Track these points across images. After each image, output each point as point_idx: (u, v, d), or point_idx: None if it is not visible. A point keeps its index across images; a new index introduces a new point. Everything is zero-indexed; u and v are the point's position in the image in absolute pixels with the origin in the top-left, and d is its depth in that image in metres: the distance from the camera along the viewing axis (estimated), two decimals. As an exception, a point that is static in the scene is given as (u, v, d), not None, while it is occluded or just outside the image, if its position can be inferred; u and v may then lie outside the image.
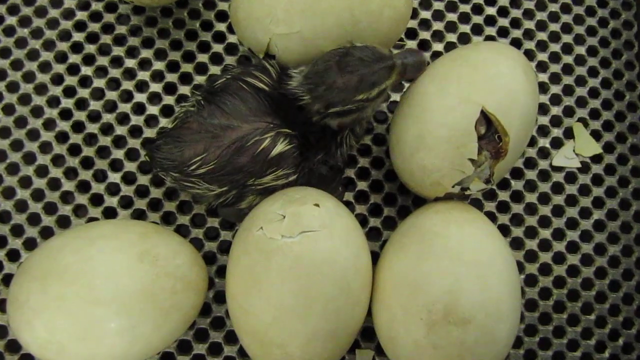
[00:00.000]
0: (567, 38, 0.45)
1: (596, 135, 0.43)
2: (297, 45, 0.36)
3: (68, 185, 0.40)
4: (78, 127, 0.41)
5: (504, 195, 0.41)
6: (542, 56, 0.44)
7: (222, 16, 0.44)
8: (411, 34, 0.44)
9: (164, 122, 0.41)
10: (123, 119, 0.42)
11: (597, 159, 0.42)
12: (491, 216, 0.41)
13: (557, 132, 0.43)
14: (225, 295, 0.33)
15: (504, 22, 0.45)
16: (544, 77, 0.44)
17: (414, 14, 0.44)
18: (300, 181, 0.36)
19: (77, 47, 0.42)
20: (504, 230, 0.41)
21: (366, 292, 0.33)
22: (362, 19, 0.35)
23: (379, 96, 0.33)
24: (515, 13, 0.45)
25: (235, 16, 0.37)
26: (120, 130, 0.41)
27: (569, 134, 0.43)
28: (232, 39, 0.43)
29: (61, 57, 0.42)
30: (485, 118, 0.32)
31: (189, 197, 0.40)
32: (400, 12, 0.37)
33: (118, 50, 0.42)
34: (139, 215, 0.40)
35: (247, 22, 0.36)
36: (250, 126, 0.32)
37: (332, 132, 0.35)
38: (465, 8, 0.45)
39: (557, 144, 0.43)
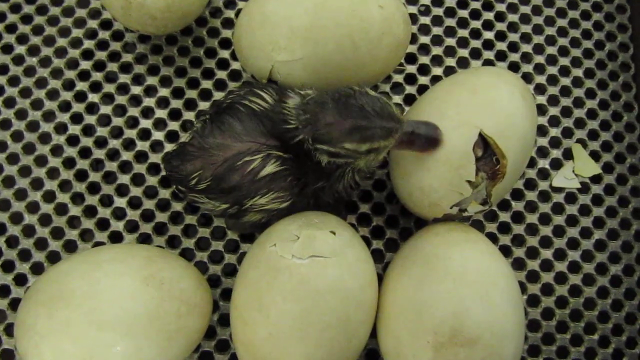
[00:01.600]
0: (564, 61, 0.45)
1: (595, 155, 0.43)
2: (299, 71, 0.37)
3: (75, 210, 0.41)
4: (85, 152, 0.42)
5: (504, 216, 0.42)
6: (540, 79, 0.45)
7: (226, 43, 0.45)
8: (411, 58, 0.45)
9: (168, 147, 0.42)
10: (129, 144, 0.42)
11: (596, 179, 0.43)
12: (492, 237, 0.41)
13: (556, 153, 0.43)
14: (230, 303, 0.34)
15: (501, 45, 0.45)
16: (542, 99, 0.44)
17: (414, 39, 0.45)
18: (301, 207, 0.36)
19: (84, 75, 0.44)
20: (505, 251, 0.41)
21: (366, 326, 0.33)
22: (361, 45, 0.36)
23: (369, 153, 0.31)
24: (513, 37, 0.46)
25: (239, 44, 0.38)
26: (126, 155, 0.42)
27: (568, 155, 0.43)
28: (235, 65, 0.44)
29: (69, 85, 0.43)
30: (483, 140, 0.33)
31: (193, 221, 0.41)
32: (399, 39, 0.38)
33: (124, 78, 0.43)
34: (145, 239, 0.41)
35: (249, 51, 0.37)
36: (242, 145, 0.33)
37: (333, 164, 0.33)
38: (463, 33, 0.46)
39: (556, 165, 0.43)
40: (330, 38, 0.36)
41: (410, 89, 0.44)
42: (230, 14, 0.45)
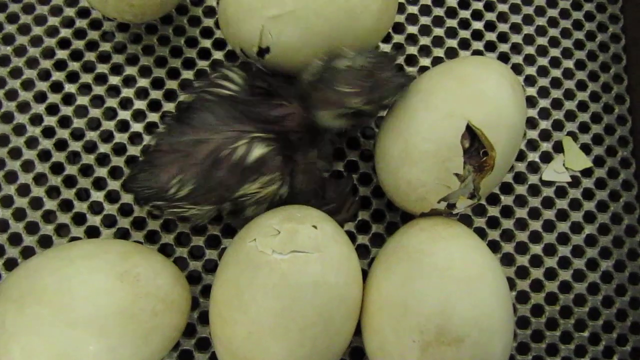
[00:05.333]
0: (554, 52, 0.44)
1: (586, 149, 0.42)
2: (292, 27, 0.35)
3: (50, 205, 0.39)
4: (61, 145, 0.41)
5: (493, 211, 0.41)
6: (530, 70, 0.44)
7: (207, 33, 0.43)
8: (398, 49, 0.44)
9: (148, 139, 0.41)
10: (107, 136, 0.41)
11: (587, 172, 0.42)
12: (481, 232, 0.40)
13: (546, 146, 0.42)
14: (209, 300, 0.33)
15: (491, 36, 0.44)
16: (532, 91, 0.43)
17: (401, 29, 0.44)
18: (300, 187, 0.35)
19: (60, 65, 0.42)
20: (494, 246, 0.40)
21: (350, 323, 0.32)
22: None
23: (381, 107, 0.34)
24: (503, 27, 0.45)
25: (225, 14, 0.37)
26: (104, 148, 0.40)
27: (559, 148, 0.42)
28: (217, 55, 0.43)
29: (44, 75, 0.42)
30: (470, 132, 0.32)
31: (173, 216, 0.39)
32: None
33: (102, 68, 0.42)
34: (123, 234, 0.39)
35: (237, 16, 0.36)
36: (221, 136, 0.31)
37: (315, 129, 0.33)
38: (452, 23, 0.45)
39: (546, 158, 0.42)
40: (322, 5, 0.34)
41: (397, 80, 0.43)
42: (212, 1, 0.44)
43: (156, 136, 0.33)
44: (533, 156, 0.42)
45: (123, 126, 0.41)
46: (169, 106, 0.41)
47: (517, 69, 0.44)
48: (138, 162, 0.33)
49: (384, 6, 0.36)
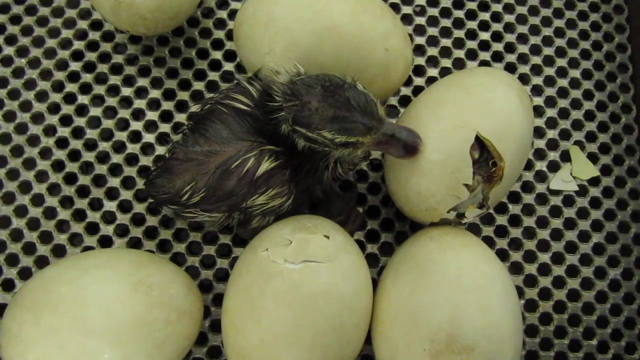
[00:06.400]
0: (561, 61, 0.45)
1: (593, 158, 0.43)
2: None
3: (64, 214, 0.40)
4: (74, 155, 0.41)
5: (502, 220, 0.41)
6: (537, 80, 0.44)
7: (218, 44, 0.44)
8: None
9: (160, 150, 0.41)
10: (119, 147, 0.42)
11: (594, 181, 0.42)
12: (489, 240, 0.41)
13: (553, 155, 0.43)
14: (222, 309, 0.33)
15: (498, 46, 0.45)
16: (539, 100, 0.44)
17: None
18: (301, 201, 0.35)
19: (74, 76, 0.43)
20: (502, 254, 0.41)
21: (361, 332, 0.32)
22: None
23: (345, 146, 0.31)
24: (509, 38, 0.45)
25: (238, 30, 0.37)
26: (116, 158, 0.41)
27: (566, 157, 0.43)
28: (228, 66, 0.44)
29: (58, 86, 0.43)
30: (479, 143, 0.32)
31: (184, 224, 0.40)
32: (392, 83, 0.38)
33: (114, 79, 0.43)
34: (135, 243, 0.40)
35: (246, 42, 0.37)
36: (232, 148, 0.32)
37: (317, 154, 0.33)
38: (459, 34, 0.45)
39: (554, 167, 0.43)
40: (325, 65, 0.35)
41: (405, 90, 0.44)
42: (222, 14, 0.45)
43: (174, 144, 0.34)
44: (540, 165, 0.42)
45: (135, 136, 0.42)
46: (181, 117, 0.42)
47: (524, 79, 0.44)
48: (157, 168, 0.34)
49: (381, 93, 0.38)
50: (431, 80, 0.44)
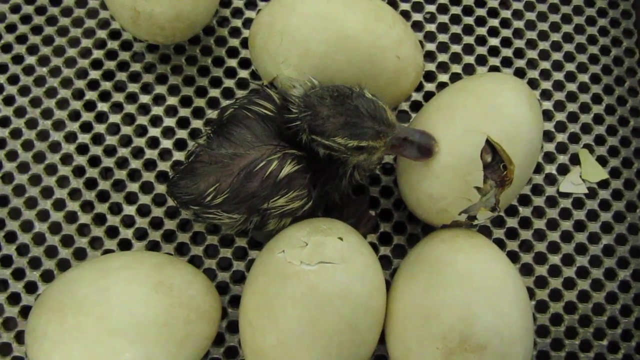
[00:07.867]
0: (570, 66, 0.45)
1: (602, 161, 0.43)
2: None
3: (84, 218, 0.41)
4: (94, 161, 0.42)
5: (512, 222, 0.42)
6: (546, 84, 0.45)
7: (233, 52, 0.45)
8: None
9: (177, 155, 0.42)
10: (138, 152, 0.43)
11: (603, 184, 0.43)
12: (500, 243, 0.41)
13: (563, 158, 0.43)
14: (239, 310, 0.34)
15: (507, 52, 0.46)
16: (548, 104, 0.44)
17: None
18: (317, 205, 0.36)
19: (93, 84, 0.44)
20: (513, 256, 0.41)
21: (375, 332, 0.33)
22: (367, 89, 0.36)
23: (359, 151, 0.32)
24: (519, 43, 0.46)
25: (253, 40, 0.38)
26: (135, 164, 0.42)
27: (575, 160, 0.43)
28: (243, 74, 0.45)
29: (78, 94, 0.44)
30: (491, 147, 0.33)
31: (202, 227, 0.41)
32: (404, 90, 0.39)
33: (133, 87, 0.44)
34: (153, 246, 0.41)
35: (260, 51, 0.38)
36: (256, 152, 0.33)
37: (336, 161, 0.34)
38: (469, 40, 0.46)
39: (563, 170, 0.43)
40: (339, 73, 0.36)
41: (416, 96, 0.44)
42: (237, 23, 0.46)
43: (199, 147, 0.35)
44: (550, 168, 0.43)
45: (153, 142, 0.43)
46: (197, 123, 0.43)
47: (533, 84, 0.45)
48: (180, 170, 0.35)
49: (394, 100, 0.39)
50: (442, 85, 0.45)
